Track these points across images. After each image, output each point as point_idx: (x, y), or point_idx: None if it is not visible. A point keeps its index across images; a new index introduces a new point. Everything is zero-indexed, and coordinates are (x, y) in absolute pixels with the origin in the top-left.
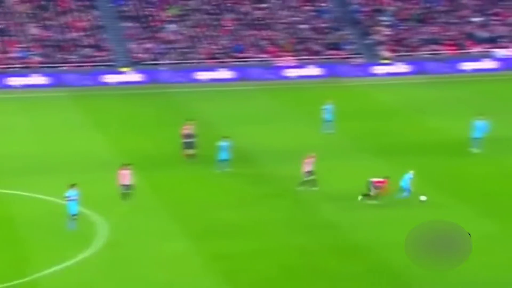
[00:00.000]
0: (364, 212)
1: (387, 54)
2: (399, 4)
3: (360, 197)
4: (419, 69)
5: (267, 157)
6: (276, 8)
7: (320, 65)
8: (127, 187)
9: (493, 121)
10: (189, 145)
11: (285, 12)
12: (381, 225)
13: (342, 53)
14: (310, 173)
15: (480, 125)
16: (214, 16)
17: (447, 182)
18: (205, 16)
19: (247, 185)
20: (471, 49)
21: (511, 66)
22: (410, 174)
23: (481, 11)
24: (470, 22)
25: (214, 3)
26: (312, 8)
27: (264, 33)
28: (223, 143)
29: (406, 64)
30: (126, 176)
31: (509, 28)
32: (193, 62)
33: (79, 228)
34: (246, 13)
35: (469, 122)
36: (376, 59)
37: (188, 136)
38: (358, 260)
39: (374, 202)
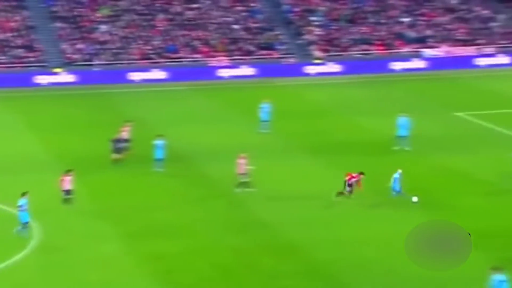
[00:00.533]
0: (299, 211)
1: (318, 54)
2: (329, 4)
3: (334, 196)
4: (350, 69)
5: (203, 157)
6: (208, 8)
7: (253, 65)
8: (68, 192)
9: (421, 119)
10: (118, 150)
11: (216, 12)
12: (316, 224)
13: (274, 53)
14: (244, 175)
15: (403, 122)
16: (145, 17)
17: (380, 180)
18: (137, 17)
19: (183, 185)
20: (401, 49)
21: (439, 65)
22: (397, 173)
23: (408, 12)
24: (398, 23)
25: (145, 4)
26: (244, 8)
27: (196, 33)
28: (158, 142)
29: (337, 64)
30: (67, 182)
31: (436, 29)
32: (125, 63)
33: (15, 230)
34: (177, 14)
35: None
36: (308, 59)
37: (119, 140)
38: (293, 259)
39: (344, 197)
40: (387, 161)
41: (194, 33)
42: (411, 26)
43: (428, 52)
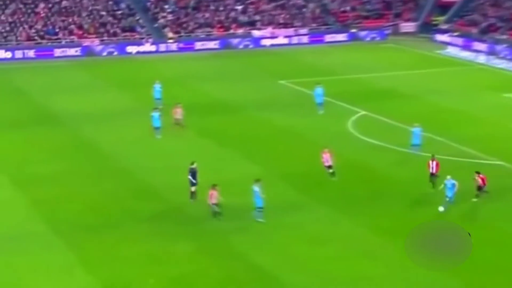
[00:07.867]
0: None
1: (171, 35)
2: None
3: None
4: (197, 47)
5: (77, 120)
6: None
7: (118, 44)
8: None
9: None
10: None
11: (87, 2)
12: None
13: (136, 35)
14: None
15: (319, 92)
16: (29, 6)
17: (220, 135)
18: (22, 5)
19: (58, 142)
20: (236, 30)
21: (261, 44)
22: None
23: (240, 1)
24: (233, 10)
25: None
26: None
27: (72, 18)
28: None
29: (186, 43)
30: None
31: (262, 14)
32: (14, 43)
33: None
34: (56, 3)
35: (234, 86)
36: (163, 39)
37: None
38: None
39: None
40: (233, 119)
41: (70, 19)
42: (243, 12)
43: (257, 33)
